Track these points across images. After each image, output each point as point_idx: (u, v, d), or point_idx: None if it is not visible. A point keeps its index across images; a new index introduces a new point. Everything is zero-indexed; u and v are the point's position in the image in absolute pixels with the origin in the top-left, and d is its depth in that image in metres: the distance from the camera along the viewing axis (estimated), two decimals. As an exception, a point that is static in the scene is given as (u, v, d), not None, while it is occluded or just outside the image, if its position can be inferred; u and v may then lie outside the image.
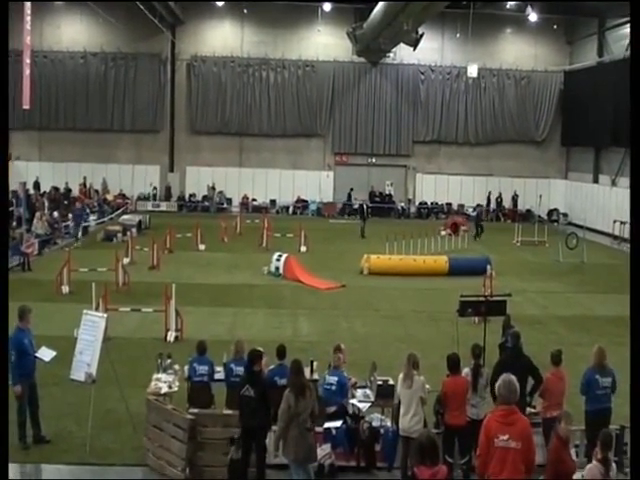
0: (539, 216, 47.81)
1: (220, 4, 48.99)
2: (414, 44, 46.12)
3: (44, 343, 13.59)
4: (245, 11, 50.10)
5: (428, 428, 11.38)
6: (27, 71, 34.54)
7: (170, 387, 13.13)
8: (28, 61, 34.92)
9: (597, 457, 8.96)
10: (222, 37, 51.77)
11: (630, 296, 9.72)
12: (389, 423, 12.16)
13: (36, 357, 13.07)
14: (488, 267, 26.60)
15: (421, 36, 45.53)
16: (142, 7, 41.46)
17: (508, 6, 42.93)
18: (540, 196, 48.97)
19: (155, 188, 52.15)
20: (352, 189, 51.57)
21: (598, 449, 9.02)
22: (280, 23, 50.91)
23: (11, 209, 38.18)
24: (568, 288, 28.79)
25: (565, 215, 50.86)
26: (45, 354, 13.24)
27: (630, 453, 8.49)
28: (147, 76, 51.81)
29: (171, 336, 19.24)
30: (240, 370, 12.38)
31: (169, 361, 13.81)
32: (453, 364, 11.75)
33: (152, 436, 12.12)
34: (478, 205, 51.79)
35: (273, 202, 52.08)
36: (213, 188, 52.13)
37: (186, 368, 13.42)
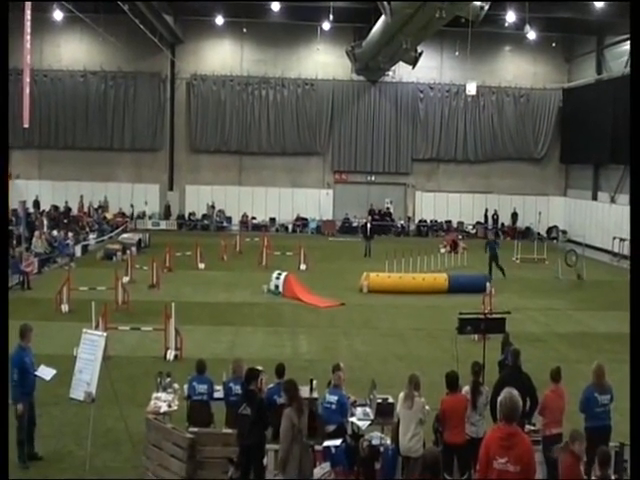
0: (538, 233, 47.87)
1: (220, 23, 49.18)
2: (413, 62, 46.32)
3: (44, 362, 13.56)
4: (244, 30, 50.27)
5: (428, 446, 11.36)
6: (27, 90, 34.56)
7: (169, 406, 13.09)
8: (28, 80, 34.94)
9: (596, 475, 8.92)
10: (222, 56, 51.98)
11: (630, 307, 9.72)
12: (389, 441, 12.12)
13: (36, 376, 13.06)
14: (487, 284, 26.65)
15: (420, 54, 45.73)
16: (142, 26, 41.67)
17: (507, 24, 43.04)
18: (539, 213, 49.06)
19: (146, 203, 52.10)
20: (347, 214, 52.06)
21: (597, 467, 8.98)
22: (279, 42, 51.15)
23: (11, 228, 38.20)
24: (568, 305, 28.79)
25: (564, 232, 50.87)
26: (45, 373, 13.23)
27: (630, 467, 8.45)
28: (147, 95, 51.99)
29: (171, 355, 19.22)
30: (239, 389, 12.38)
31: (168, 380, 13.79)
32: (452, 382, 11.74)
33: (151, 455, 12.08)
34: (478, 222, 51.92)
35: (273, 220, 52.12)
36: (213, 207, 52.18)
37: (185, 387, 13.39)
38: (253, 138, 52.03)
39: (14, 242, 34.19)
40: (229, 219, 52.36)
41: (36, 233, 35.58)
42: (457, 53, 47.80)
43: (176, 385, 13.74)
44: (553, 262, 36.35)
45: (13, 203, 47.51)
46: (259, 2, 46.20)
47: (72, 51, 51.57)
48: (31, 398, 13.02)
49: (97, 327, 18.17)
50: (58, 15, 47.20)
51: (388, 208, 52.76)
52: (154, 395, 13.50)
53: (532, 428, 12.37)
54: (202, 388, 12.96)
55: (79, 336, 13.78)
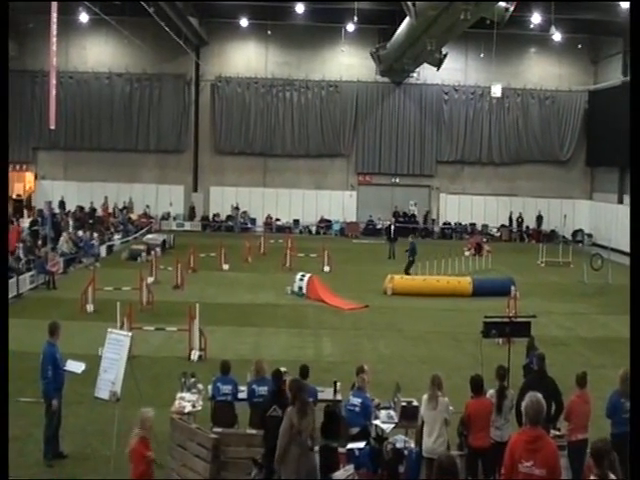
0: (563, 237, 47.60)
1: (244, 25, 49.34)
2: (438, 64, 46.23)
3: (69, 360, 13.65)
4: (269, 32, 50.41)
5: (444, 451, 11.29)
6: (53, 91, 34.76)
7: (194, 406, 13.13)
8: (54, 82, 35.14)
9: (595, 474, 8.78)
10: (246, 58, 52.13)
11: (630, 307, 9.60)
12: (413, 444, 12.08)
13: (65, 371, 13.14)
14: (512, 288, 26.45)
15: (445, 56, 45.64)
16: (167, 28, 41.86)
17: (532, 26, 42.86)
18: (564, 216, 48.78)
19: (171, 204, 52.34)
20: (371, 216, 52.09)
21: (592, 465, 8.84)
22: (304, 44, 51.24)
23: (36, 228, 38.54)
24: (593, 309, 28.60)
25: (590, 236, 50.52)
26: (74, 367, 13.32)
27: (630, 467, 8.35)
28: (172, 97, 52.25)
29: (195, 355, 19.28)
30: (262, 390, 12.41)
31: (193, 380, 13.82)
32: (477, 385, 11.68)
33: (176, 455, 12.11)
34: (502, 225, 51.75)
35: (296, 222, 52.18)
36: (237, 208, 52.32)
37: (210, 387, 13.43)
38: (277, 140, 52.15)
39: (40, 242, 34.44)
40: (253, 220, 52.49)
41: (64, 234, 35.80)
42: (482, 55, 47.65)
43: (200, 385, 13.77)
44: (578, 266, 36.07)
45: (39, 203, 48.05)
46: (284, 4, 46.30)
47: (98, 53, 51.94)
48: (61, 394, 13.13)
49: (122, 327, 18.28)
50: (84, 17, 47.59)
51: (412, 210, 52.63)
52: (178, 395, 13.54)
53: (557, 433, 12.27)
54: (226, 389, 12.98)
55: (104, 336, 13.87)
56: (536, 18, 41.78)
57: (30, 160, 52.97)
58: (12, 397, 15.75)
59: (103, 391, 13.09)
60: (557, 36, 44.12)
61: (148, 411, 10.04)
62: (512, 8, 33.67)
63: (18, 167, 53.61)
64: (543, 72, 51.90)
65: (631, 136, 10.02)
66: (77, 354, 14.90)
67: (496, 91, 42.57)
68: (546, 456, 8.22)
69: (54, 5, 33.27)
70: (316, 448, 11.13)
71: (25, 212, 50.86)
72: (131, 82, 52.34)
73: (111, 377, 13.01)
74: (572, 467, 11.66)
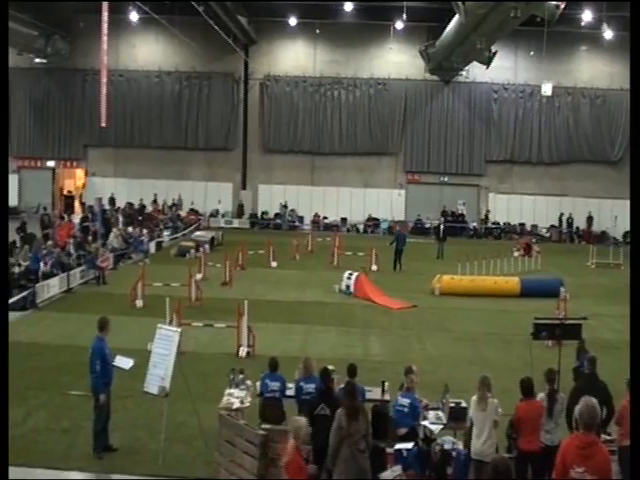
0: (614, 238, 46.97)
1: (293, 24, 49.48)
2: (487, 62, 45.91)
3: (118, 355, 13.80)
4: (317, 31, 50.49)
5: (498, 454, 11.19)
6: (104, 90, 35.19)
7: (242, 402, 13.18)
8: (105, 80, 35.57)
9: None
10: (294, 57, 52.26)
11: (630, 307, 9.42)
12: (461, 446, 11.99)
13: (114, 366, 13.29)
14: (562, 289, 26.14)
15: (494, 54, 45.31)
16: (216, 27, 42.12)
17: (583, 23, 42.36)
18: (616, 217, 48.08)
19: (219, 201, 52.68)
20: (419, 215, 52.04)
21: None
22: (352, 42, 51.19)
23: (87, 224, 39.03)
24: (644, 312, 28.09)
25: (641, 237, 49.67)
26: (123, 362, 13.46)
27: (630, 467, 8.20)
28: (221, 95, 52.56)
29: (243, 352, 19.36)
30: (310, 388, 12.41)
31: (241, 376, 13.87)
32: (527, 388, 11.53)
33: (224, 451, 12.14)
34: (552, 226, 51.23)
35: (344, 220, 52.17)
36: (285, 206, 52.50)
37: (258, 384, 13.47)
38: (325, 138, 52.21)
39: (90, 238, 34.87)
40: (301, 218, 52.64)
41: (113, 230, 36.21)
42: (532, 53, 47.25)
43: (249, 382, 13.81)
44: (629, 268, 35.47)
45: (89, 200, 48.70)
46: (332, 3, 46.32)
47: (147, 52, 52.46)
48: (109, 389, 13.24)
49: (171, 323, 18.42)
50: (134, 16, 48.18)
51: (461, 210, 52.35)
52: (227, 391, 13.61)
53: (608, 438, 12.10)
54: (274, 385, 13.00)
55: (153, 331, 13.97)
56: (587, 16, 41.28)
57: (81, 157, 53.74)
58: (63, 390, 16.13)
59: (152, 386, 13.20)
60: (608, 34, 43.54)
61: (301, 420, 9.88)
62: (563, 6, 33.33)
63: (69, 164, 54.52)
64: (594, 71, 51.22)
65: (631, 136, 9.87)
66: (126, 349, 15.03)
67: (546, 90, 42.06)
68: (599, 463, 8.09)
69: (105, 4, 33.70)
70: None
71: (76, 208, 51.65)
72: (180, 80, 52.78)
73: (160, 372, 13.10)
74: (622, 472, 11.49)
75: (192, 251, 37.23)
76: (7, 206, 10.86)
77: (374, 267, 34.43)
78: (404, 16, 44.04)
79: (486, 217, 52.44)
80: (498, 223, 52.35)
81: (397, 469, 11.59)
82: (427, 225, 51.06)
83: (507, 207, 52.26)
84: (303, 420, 9.78)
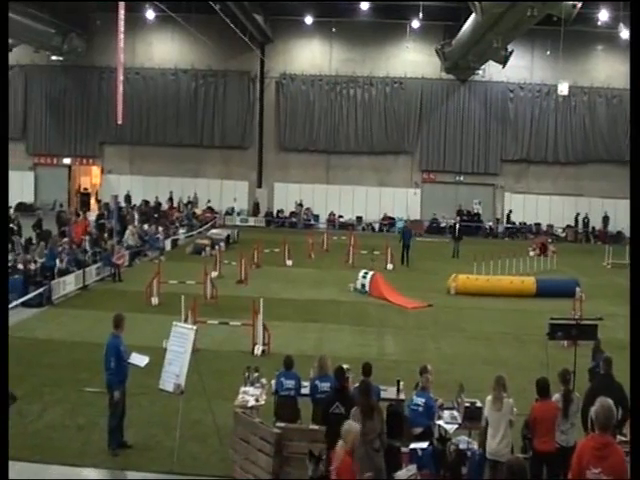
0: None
1: (309, 23, 49.50)
2: (503, 61, 45.78)
3: (134, 352, 13.82)
4: (333, 29, 50.54)
5: (513, 455, 11.15)
6: (120, 87, 35.33)
7: (257, 400, 13.16)
8: (121, 78, 35.70)
9: None
10: (310, 55, 52.28)
11: (630, 306, 9.36)
12: (476, 446, 11.96)
13: (129, 363, 13.31)
14: (577, 289, 26.03)
15: (510, 53, 45.17)
16: (232, 26, 42.17)
17: (599, 23, 42.16)
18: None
19: (235, 199, 52.75)
20: (435, 214, 51.94)
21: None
22: (368, 41, 51.15)
23: (103, 221, 39.17)
24: (661, 313, 27.94)
25: (658, 237, 49.42)
26: (138, 360, 13.45)
27: (630, 466, 8.15)
28: (236, 93, 52.66)
29: (258, 350, 19.37)
30: (325, 386, 12.40)
31: (256, 374, 13.87)
32: (543, 388, 11.47)
33: (239, 449, 12.17)
34: (568, 226, 51.03)
35: (359, 219, 52.14)
36: (300, 205, 52.52)
37: (273, 382, 13.47)
38: (341, 137, 52.22)
39: (106, 235, 34.98)
40: (316, 217, 52.67)
41: (129, 227, 36.31)
42: (548, 52, 47.08)
43: (264, 380, 13.81)
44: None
45: (105, 197, 48.88)
46: (348, 1, 46.33)
47: (164, 50, 52.60)
48: (124, 386, 13.27)
49: (186, 320, 18.47)
50: (150, 14, 48.34)
51: (477, 209, 52.24)
52: (242, 389, 13.60)
53: (623, 439, 12.04)
54: (289, 384, 12.99)
55: (168, 328, 14.00)
56: (604, 15, 41.07)
57: (97, 154, 53.94)
58: (78, 387, 16.18)
59: (167, 383, 13.22)
60: (625, 33, 43.28)
61: (351, 424, 9.83)
62: (579, 5, 33.16)
63: (85, 161, 54.73)
64: (611, 70, 50.92)
65: (631, 136, 9.82)
66: (141, 346, 15.07)
67: (563, 89, 41.89)
68: (614, 463, 8.07)
69: (122, 3, 33.84)
70: None
71: (92, 205, 51.86)
72: (196, 78, 52.89)
73: (175, 370, 13.12)
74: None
75: (207, 249, 37.32)
76: (7, 206, 10.88)
77: (389, 266, 34.41)
78: (420, 15, 43.99)
79: (508, 217, 52.22)
80: (514, 223, 52.17)
81: (412, 468, 11.57)
82: (442, 224, 50.98)
83: (523, 207, 52.06)
84: (353, 424, 9.73)
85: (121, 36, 34.82)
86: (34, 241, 30.97)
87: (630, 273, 9.68)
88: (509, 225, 52.03)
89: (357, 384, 12.44)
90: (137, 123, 52.36)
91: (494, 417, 11.28)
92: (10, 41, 48.66)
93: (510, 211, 52.27)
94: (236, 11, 42.08)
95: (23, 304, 23.97)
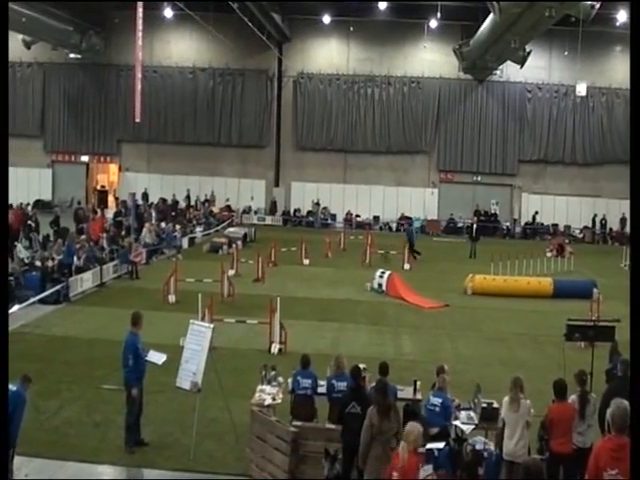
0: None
1: (327, 22, 49.50)
2: (521, 62, 45.65)
3: (151, 350, 13.86)
4: (351, 29, 50.48)
5: (530, 456, 11.12)
6: (138, 85, 35.47)
7: (274, 399, 13.18)
8: (139, 76, 35.84)
9: None
10: (328, 54, 52.25)
11: (630, 305, 9.29)
12: (492, 446, 11.94)
13: (147, 361, 13.34)
14: (594, 291, 25.92)
15: (528, 54, 45.04)
16: (250, 24, 42.24)
17: (618, 23, 41.94)
18: (650, 219, 47.54)
19: (252, 198, 52.86)
20: (452, 214, 51.86)
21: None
22: (386, 40, 51.07)
23: (120, 219, 39.32)
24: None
25: (676, 239, 49.12)
26: (155, 357, 13.47)
27: (630, 466, 8.12)
28: (254, 92, 52.68)
29: (275, 348, 19.40)
30: (342, 386, 12.40)
31: (273, 373, 13.88)
32: (560, 390, 11.44)
33: (255, 447, 12.21)
34: (585, 227, 50.81)
35: (376, 219, 52.08)
36: (317, 204, 52.53)
37: (290, 381, 13.49)
38: (358, 136, 52.17)
39: (123, 232, 35.11)
40: (333, 216, 52.65)
41: (146, 225, 36.43)
42: (566, 52, 46.85)
43: (280, 378, 13.82)
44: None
45: (123, 195, 49.06)
46: (366, 1, 46.29)
47: (182, 48, 52.70)
48: (141, 384, 13.30)
49: (203, 318, 18.51)
50: (168, 13, 48.49)
51: (494, 209, 52.09)
52: (259, 388, 13.62)
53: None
54: (306, 382, 12.99)
55: (185, 326, 14.07)
56: (622, 16, 40.85)
57: (114, 152, 54.12)
58: (95, 384, 16.26)
59: (184, 381, 13.27)
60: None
61: (412, 424, 9.82)
62: (598, 5, 33.01)
63: (103, 159, 54.93)
64: (629, 71, 50.50)
65: (631, 136, 9.77)
66: (158, 344, 15.09)
67: (581, 90, 41.69)
68: None
69: (140, 1, 33.98)
70: None
71: (109, 203, 52.04)
72: (214, 77, 52.97)
73: (192, 368, 13.17)
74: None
75: (225, 247, 37.39)
76: (7, 206, 10.97)
77: (406, 266, 34.37)
78: (438, 14, 43.85)
79: (533, 218, 51.91)
80: (531, 223, 51.98)
81: (428, 469, 11.53)
82: (460, 224, 50.88)
83: (540, 207, 51.84)
84: (415, 425, 9.73)
85: (139, 34, 34.99)
86: (51, 238, 31.12)
87: (630, 273, 9.62)
88: (532, 226, 51.62)
89: (373, 384, 12.45)
90: (155, 121, 52.46)
91: (511, 418, 11.26)
92: (29, 39, 49.08)
93: (536, 212, 51.88)
94: (254, 10, 42.13)
95: (41, 301, 24.09)
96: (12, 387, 10.78)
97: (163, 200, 48.92)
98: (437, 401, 12.18)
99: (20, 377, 11.19)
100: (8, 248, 22.43)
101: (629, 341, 9.30)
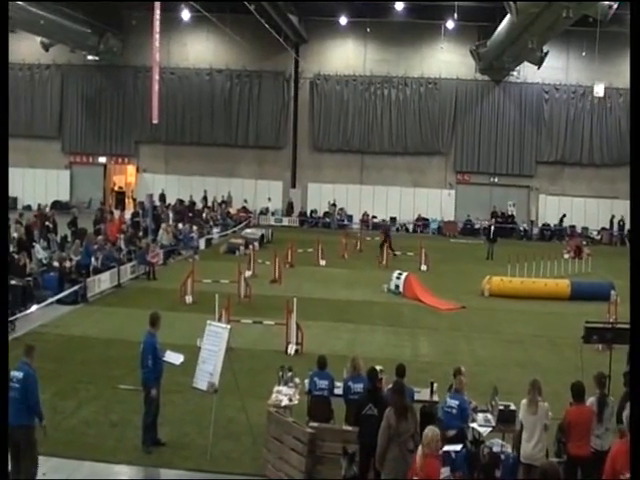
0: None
1: (343, 23, 49.51)
2: (538, 62, 45.52)
3: (168, 350, 13.89)
4: (368, 30, 50.42)
5: (548, 460, 11.08)
6: (156, 87, 35.53)
7: (290, 400, 13.20)
8: (157, 77, 35.91)
9: None
10: (345, 56, 52.23)
11: (630, 304, 9.22)
12: (510, 449, 11.90)
13: (164, 361, 13.37)
14: (612, 293, 25.77)
15: (546, 54, 44.92)
16: (267, 26, 42.28)
17: (637, 24, 41.71)
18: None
19: (269, 199, 52.91)
20: (469, 215, 51.76)
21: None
22: (403, 41, 51.00)
23: (137, 219, 39.42)
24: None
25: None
26: (173, 358, 13.50)
27: (630, 466, 8.07)
28: (271, 93, 52.77)
29: (292, 349, 19.41)
30: (358, 387, 12.39)
31: (290, 374, 13.89)
32: (578, 392, 11.38)
33: (272, 448, 12.22)
34: (603, 228, 50.55)
35: (393, 220, 51.99)
36: (334, 205, 52.53)
37: (306, 382, 13.50)
38: (375, 137, 52.13)
39: (141, 233, 35.20)
40: (350, 217, 52.63)
41: (163, 226, 36.51)
42: (584, 53, 46.59)
43: (297, 379, 13.83)
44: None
45: (140, 196, 49.21)
46: (383, 2, 46.25)
47: (199, 50, 52.83)
48: (159, 384, 13.34)
49: (220, 319, 18.56)
50: (185, 15, 48.57)
51: (511, 211, 51.93)
52: (275, 388, 13.64)
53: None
54: (323, 383, 12.99)
55: (202, 327, 14.10)
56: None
57: (132, 153, 54.30)
58: (112, 384, 16.32)
59: (201, 382, 13.31)
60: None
61: (431, 429, 9.83)
62: (615, 6, 32.86)
63: (120, 160, 55.13)
64: (629, 71, 50.13)
65: (631, 136, 9.71)
66: (176, 344, 15.15)
67: (599, 90, 41.48)
68: None
69: (157, 3, 34.06)
70: None
71: (126, 204, 52.24)
72: (231, 78, 53.08)
73: (209, 368, 13.20)
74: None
75: (241, 248, 37.42)
76: (7, 206, 11.02)
77: (423, 267, 34.33)
78: (455, 15, 43.82)
79: (561, 221, 51.54)
80: (548, 225, 51.77)
81: (445, 471, 11.51)
82: (477, 226, 50.74)
83: (558, 208, 51.59)
84: (433, 429, 9.72)
85: (156, 36, 35.05)
86: (69, 239, 31.24)
87: (630, 273, 9.56)
88: (557, 227, 51.33)
89: (390, 385, 12.44)
90: (172, 122, 52.62)
91: (529, 421, 11.22)
92: (47, 41, 49.35)
93: (564, 215, 51.46)
94: (271, 11, 42.16)
95: (58, 301, 24.18)
96: (18, 373, 10.91)
97: (180, 201, 49.00)
98: (454, 403, 12.13)
99: (23, 350, 11.34)
100: (8, 248, 22.43)
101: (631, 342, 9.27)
